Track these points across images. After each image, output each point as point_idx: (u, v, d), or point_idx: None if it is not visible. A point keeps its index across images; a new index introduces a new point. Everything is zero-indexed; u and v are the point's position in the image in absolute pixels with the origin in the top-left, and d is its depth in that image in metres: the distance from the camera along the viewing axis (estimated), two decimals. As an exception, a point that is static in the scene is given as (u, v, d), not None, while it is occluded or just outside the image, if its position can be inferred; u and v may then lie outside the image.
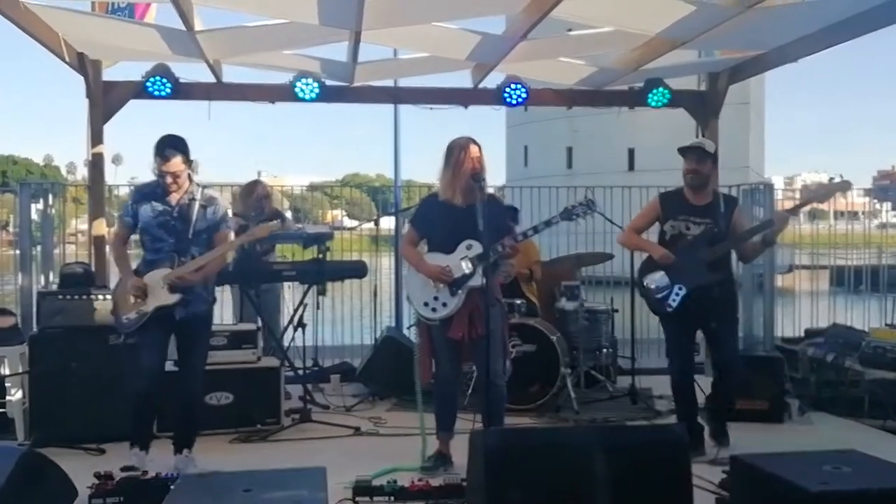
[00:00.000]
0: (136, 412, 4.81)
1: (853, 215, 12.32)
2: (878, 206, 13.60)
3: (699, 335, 5.50)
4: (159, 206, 4.74)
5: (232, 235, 5.03)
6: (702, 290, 4.99)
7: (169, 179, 4.70)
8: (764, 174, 36.02)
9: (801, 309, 8.85)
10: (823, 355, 6.43)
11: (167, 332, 4.79)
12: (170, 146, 4.69)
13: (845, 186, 5.30)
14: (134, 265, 4.87)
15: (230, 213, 5.13)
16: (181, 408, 4.89)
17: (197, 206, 4.75)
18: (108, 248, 5.19)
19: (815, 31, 6.33)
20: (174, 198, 4.74)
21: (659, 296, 5.10)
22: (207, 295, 4.89)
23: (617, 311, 7.25)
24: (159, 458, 4.79)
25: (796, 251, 11.18)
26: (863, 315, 9.07)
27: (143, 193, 4.80)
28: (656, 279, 5.11)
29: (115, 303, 4.83)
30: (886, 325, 7.73)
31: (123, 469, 4.44)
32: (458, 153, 4.65)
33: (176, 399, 4.87)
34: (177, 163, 4.67)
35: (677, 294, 5.03)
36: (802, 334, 7.40)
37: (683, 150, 5.21)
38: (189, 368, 4.86)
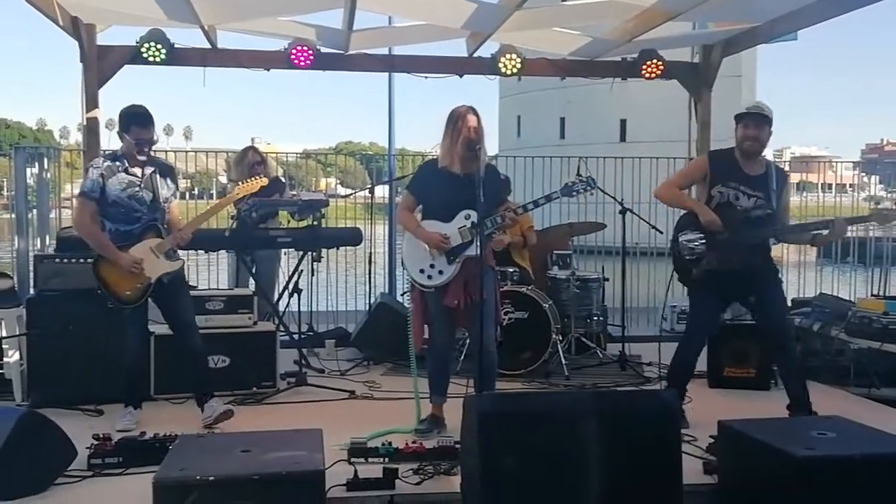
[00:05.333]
0: (130, 378, 4.98)
1: (841, 188, 12.42)
2: (866, 179, 13.68)
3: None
4: (126, 178, 4.79)
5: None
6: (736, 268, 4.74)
7: (146, 148, 4.80)
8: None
9: (789, 279, 8.93)
10: (810, 324, 6.50)
11: (148, 301, 4.94)
12: (148, 116, 4.79)
13: None
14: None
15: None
16: (192, 365, 5.03)
17: (158, 175, 4.87)
18: (80, 229, 4.89)
19: (809, 3, 6.35)
20: (137, 169, 4.81)
21: (690, 258, 4.83)
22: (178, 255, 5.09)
23: (608, 279, 7.32)
24: (155, 420, 4.88)
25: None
26: (849, 286, 9.21)
27: (108, 167, 4.79)
28: (693, 241, 4.82)
29: (108, 282, 4.81)
30: (872, 295, 7.81)
31: (120, 431, 4.56)
32: (456, 121, 4.66)
33: (183, 358, 5.04)
34: (152, 131, 4.83)
35: (707, 265, 4.77)
36: (790, 304, 7.48)
37: (741, 116, 4.85)
38: (184, 324, 5.02)
